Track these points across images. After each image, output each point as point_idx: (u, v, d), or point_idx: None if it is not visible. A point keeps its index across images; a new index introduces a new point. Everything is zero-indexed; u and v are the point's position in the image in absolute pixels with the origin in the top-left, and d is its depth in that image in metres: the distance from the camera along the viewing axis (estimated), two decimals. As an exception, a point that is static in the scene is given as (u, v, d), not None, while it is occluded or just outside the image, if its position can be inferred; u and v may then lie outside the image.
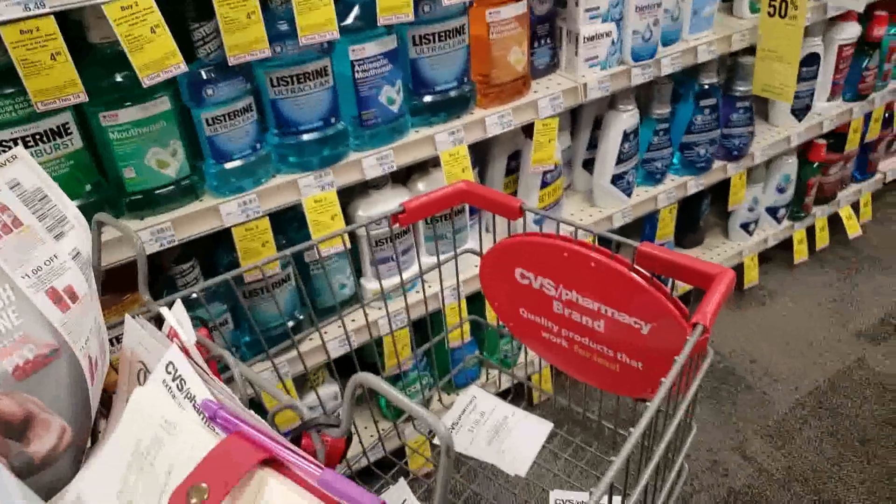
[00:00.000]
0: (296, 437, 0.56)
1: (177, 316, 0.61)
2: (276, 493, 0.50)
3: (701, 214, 2.17)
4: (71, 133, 1.07)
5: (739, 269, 2.24)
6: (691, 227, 2.18)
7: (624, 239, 0.96)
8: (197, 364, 0.57)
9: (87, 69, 1.00)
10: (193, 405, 0.55)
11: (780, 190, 2.17)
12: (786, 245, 2.36)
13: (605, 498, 0.69)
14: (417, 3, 1.27)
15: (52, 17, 0.95)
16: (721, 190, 2.07)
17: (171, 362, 0.56)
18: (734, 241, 2.23)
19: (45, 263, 0.71)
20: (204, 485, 0.50)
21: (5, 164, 0.72)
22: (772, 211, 2.22)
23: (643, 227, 2.00)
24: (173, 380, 0.55)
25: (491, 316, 1.55)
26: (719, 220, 2.28)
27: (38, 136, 1.03)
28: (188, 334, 0.59)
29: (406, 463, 1.50)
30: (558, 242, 1.00)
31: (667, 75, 1.68)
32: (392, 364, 1.51)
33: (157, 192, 1.16)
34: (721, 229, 2.28)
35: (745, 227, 2.20)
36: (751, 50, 1.80)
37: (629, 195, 1.79)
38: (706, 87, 1.79)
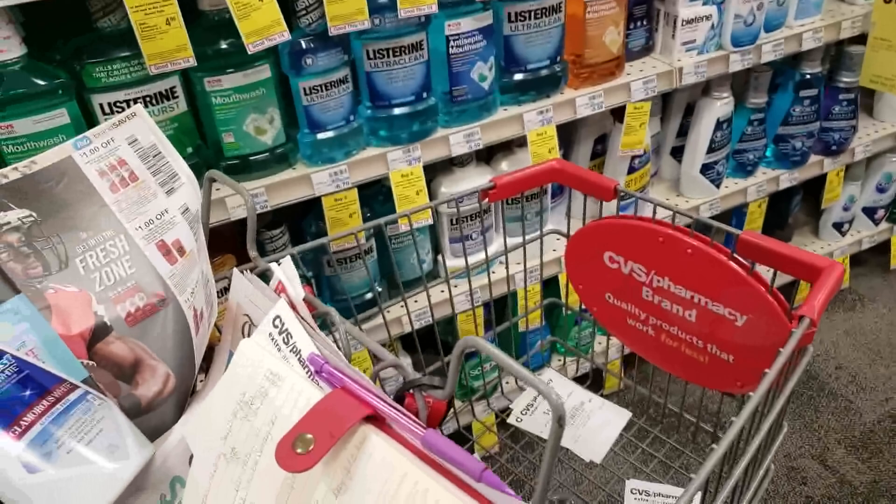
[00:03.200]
0: (398, 396, 0.57)
1: (286, 272, 0.63)
2: (378, 448, 0.51)
3: (791, 210, 2.08)
4: (178, 96, 1.11)
5: (829, 270, 2.13)
6: (779, 223, 2.09)
7: (724, 226, 0.92)
8: (303, 319, 0.59)
9: (195, 35, 1.03)
10: (299, 359, 0.56)
11: (881, 189, 2.06)
12: (882, 248, 2.23)
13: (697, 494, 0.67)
14: (515, -21, 1.26)
15: (169, -18, 0.99)
16: (814, 186, 1.97)
17: (278, 316, 0.57)
18: (825, 241, 2.13)
19: (156, 217, 0.74)
20: (309, 436, 0.51)
21: (125, 121, 0.75)
22: (869, 211, 2.10)
23: (730, 220, 1.93)
24: (279, 333, 0.57)
25: (569, 300, 1.53)
26: (810, 217, 2.18)
27: (148, 98, 1.07)
28: (296, 290, 0.60)
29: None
30: (654, 226, 0.97)
31: (766, 63, 1.60)
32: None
33: (253, 157, 1.20)
34: (811, 227, 2.18)
35: (837, 226, 2.09)
36: (859, 39, 1.70)
37: (718, 186, 1.73)
38: (808, 76, 1.70)
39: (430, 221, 1.35)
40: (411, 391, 0.56)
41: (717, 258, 0.92)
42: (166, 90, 1.09)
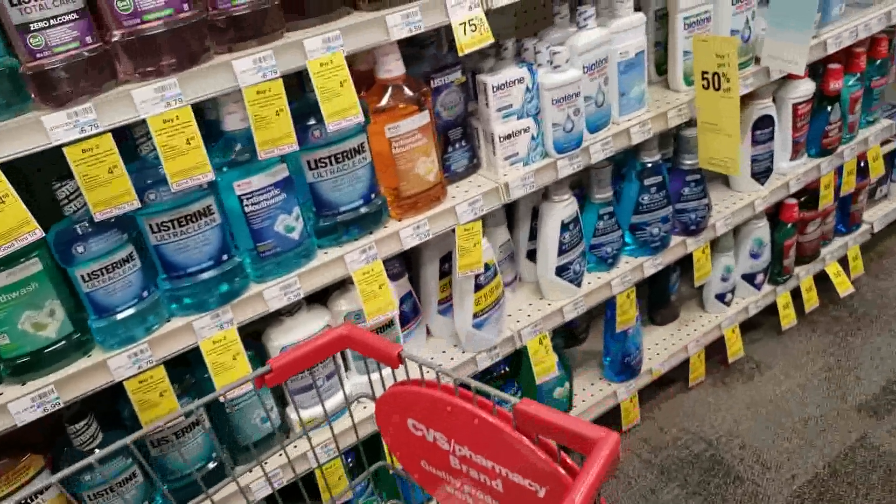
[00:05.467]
0: None
1: None
2: None
3: (671, 289, 2.05)
4: (-73, 311, 1.01)
5: (721, 342, 2.09)
6: (662, 303, 2.06)
7: (500, 393, 0.85)
8: None
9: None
10: None
11: (755, 255, 2.05)
12: (772, 310, 2.21)
13: None
14: (307, 129, 1.22)
15: None
16: (690, 262, 1.95)
17: None
18: (711, 314, 2.10)
19: None
20: None
21: None
22: (749, 277, 2.09)
23: (605, 311, 1.88)
24: None
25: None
26: (694, 290, 2.15)
27: None
28: None
29: None
30: (440, 395, 0.91)
31: (605, 158, 1.59)
32: (328, 498, 1.40)
33: (39, 353, 1.10)
34: (696, 301, 2.15)
35: (720, 297, 2.07)
36: (694, 122, 1.71)
37: (579, 285, 1.69)
38: (649, 165, 1.70)
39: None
40: None
41: (500, 429, 0.85)
42: (-86, 306, 1.00)
